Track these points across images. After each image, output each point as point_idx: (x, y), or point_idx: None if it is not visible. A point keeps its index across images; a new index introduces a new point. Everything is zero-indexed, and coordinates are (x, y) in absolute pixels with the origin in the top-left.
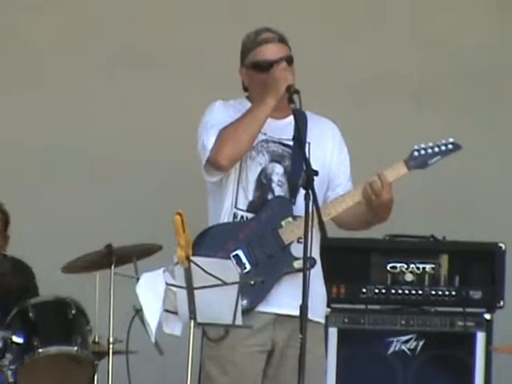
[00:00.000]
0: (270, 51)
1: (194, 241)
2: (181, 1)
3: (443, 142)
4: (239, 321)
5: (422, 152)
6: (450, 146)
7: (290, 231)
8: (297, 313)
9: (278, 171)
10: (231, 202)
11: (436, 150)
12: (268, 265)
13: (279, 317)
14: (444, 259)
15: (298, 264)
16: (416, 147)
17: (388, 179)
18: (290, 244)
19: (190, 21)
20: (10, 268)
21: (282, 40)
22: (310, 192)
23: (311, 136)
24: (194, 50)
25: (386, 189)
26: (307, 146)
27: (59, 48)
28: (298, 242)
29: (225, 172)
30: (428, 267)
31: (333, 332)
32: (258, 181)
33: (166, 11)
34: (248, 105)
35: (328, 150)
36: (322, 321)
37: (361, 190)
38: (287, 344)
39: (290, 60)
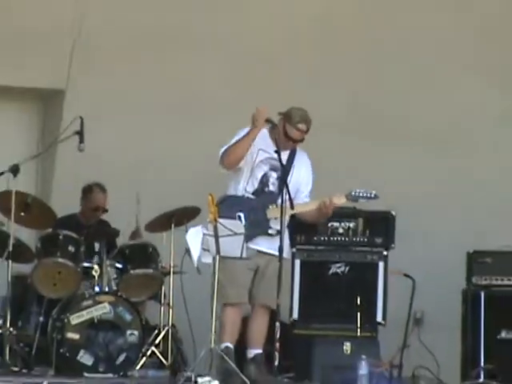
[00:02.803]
0: (296, 134)
1: (216, 202)
2: None
3: (371, 192)
4: (244, 254)
5: (357, 193)
6: (373, 195)
7: (272, 212)
8: (269, 251)
9: (273, 176)
10: (243, 187)
11: (365, 195)
12: (255, 225)
13: (259, 252)
14: (360, 220)
15: (270, 231)
16: (355, 190)
17: (334, 202)
18: (269, 219)
19: None
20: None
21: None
22: (286, 194)
23: (296, 162)
24: None
25: (330, 207)
26: (293, 167)
27: None
28: (275, 219)
29: (227, 170)
30: (352, 224)
31: (297, 262)
32: (261, 179)
33: None
34: (267, 136)
35: (301, 173)
36: (288, 257)
37: (318, 203)
38: (265, 267)
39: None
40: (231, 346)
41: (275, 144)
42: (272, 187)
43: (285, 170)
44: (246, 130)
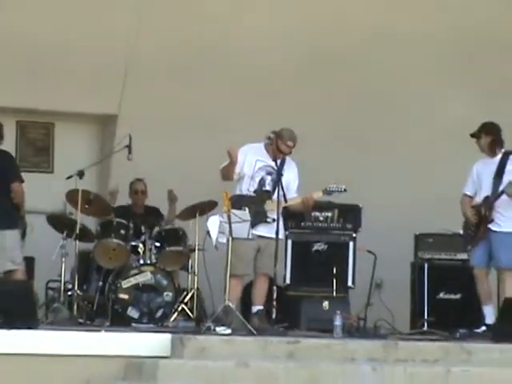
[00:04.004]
0: (286, 149)
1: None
2: None
3: (341, 187)
4: (250, 236)
5: (331, 188)
6: (343, 189)
7: (268, 205)
8: (267, 234)
9: (268, 178)
10: (246, 187)
11: (337, 189)
12: (256, 215)
13: (259, 236)
14: (336, 211)
15: (268, 219)
16: (329, 186)
17: (313, 196)
18: (267, 210)
19: None
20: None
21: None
22: (281, 191)
23: (286, 167)
24: None
25: (311, 200)
26: (284, 171)
27: None
28: (272, 210)
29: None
30: (329, 214)
31: (289, 242)
32: (259, 181)
33: None
34: (263, 149)
35: (290, 176)
36: (282, 238)
37: (302, 198)
38: (265, 247)
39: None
40: (233, 305)
41: (269, 154)
42: (268, 187)
43: (279, 174)
44: (247, 147)
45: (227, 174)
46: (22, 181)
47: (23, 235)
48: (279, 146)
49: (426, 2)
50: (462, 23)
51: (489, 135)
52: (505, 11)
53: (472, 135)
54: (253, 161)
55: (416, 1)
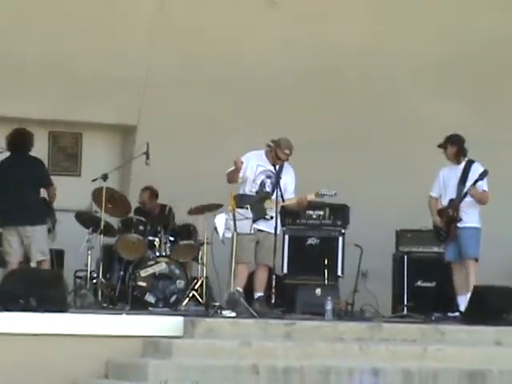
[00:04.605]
0: (283, 156)
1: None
2: None
3: (332, 192)
4: (252, 231)
5: (322, 192)
6: (334, 194)
7: (268, 204)
8: (266, 229)
9: (268, 181)
10: (249, 189)
11: (327, 193)
12: (257, 213)
13: (259, 230)
14: (327, 209)
15: (267, 216)
16: (321, 190)
17: (307, 198)
18: (266, 208)
19: None
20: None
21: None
22: (279, 192)
23: (284, 171)
24: None
25: (305, 201)
26: (282, 174)
27: None
28: (271, 208)
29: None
30: (321, 212)
31: (286, 236)
32: (260, 184)
33: None
34: (263, 156)
35: (288, 179)
36: (279, 233)
37: (297, 198)
38: (263, 240)
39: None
40: (241, 289)
41: (269, 160)
42: (268, 188)
43: (278, 177)
44: (249, 154)
45: (232, 178)
46: (53, 184)
47: (53, 229)
48: (278, 153)
49: (422, 21)
50: (456, 41)
51: (454, 145)
52: (498, 26)
53: (439, 146)
54: (254, 166)
55: (412, 19)
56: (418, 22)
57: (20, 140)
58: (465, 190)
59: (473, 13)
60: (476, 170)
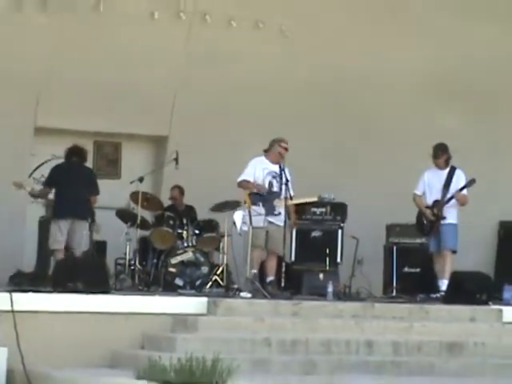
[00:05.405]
0: (282, 150)
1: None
2: None
3: (332, 197)
4: (265, 225)
5: (324, 196)
6: (333, 198)
7: (278, 202)
8: (276, 222)
9: (274, 181)
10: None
11: (327, 197)
12: (268, 209)
13: (269, 222)
14: (328, 207)
15: (276, 212)
16: (323, 194)
17: (310, 201)
18: (275, 206)
19: None
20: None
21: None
22: (287, 191)
23: (286, 171)
24: None
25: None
26: (284, 175)
27: None
28: (279, 206)
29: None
30: (323, 209)
31: (294, 230)
32: (269, 184)
33: None
34: (264, 159)
35: (289, 178)
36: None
37: (303, 200)
38: (273, 232)
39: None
40: (256, 271)
41: (269, 161)
42: (275, 188)
43: (284, 177)
44: (254, 161)
45: (245, 187)
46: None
47: (92, 224)
48: (277, 149)
49: (420, 35)
50: (454, 55)
51: (444, 154)
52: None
53: (434, 156)
54: (261, 169)
55: (410, 34)
56: (416, 36)
57: (78, 152)
58: (449, 193)
59: (472, 27)
60: (459, 175)
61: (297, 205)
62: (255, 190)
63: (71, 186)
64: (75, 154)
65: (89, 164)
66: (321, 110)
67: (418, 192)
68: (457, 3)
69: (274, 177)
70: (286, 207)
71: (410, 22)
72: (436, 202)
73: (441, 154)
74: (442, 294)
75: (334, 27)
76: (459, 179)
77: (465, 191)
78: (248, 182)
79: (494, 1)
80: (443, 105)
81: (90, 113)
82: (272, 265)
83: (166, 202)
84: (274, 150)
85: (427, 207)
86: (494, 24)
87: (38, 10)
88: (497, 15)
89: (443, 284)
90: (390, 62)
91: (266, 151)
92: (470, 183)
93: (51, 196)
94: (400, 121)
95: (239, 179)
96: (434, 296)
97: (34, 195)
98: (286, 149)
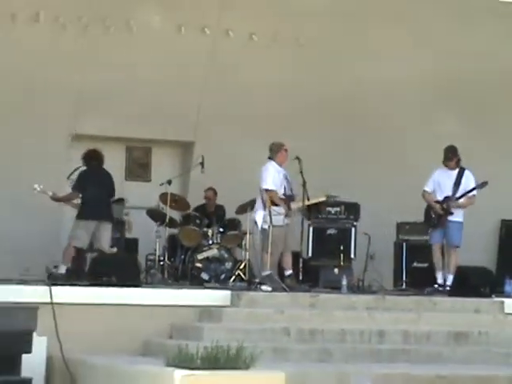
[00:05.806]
0: (285, 153)
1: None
2: None
3: (338, 196)
4: (284, 224)
5: (331, 195)
6: (337, 196)
7: (293, 204)
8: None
9: (285, 183)
10: (279, 192)
11: (335, 195)
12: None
13: (287, 224)
14: (342, 206)
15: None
16: (330, 193)
17: (320, 200)
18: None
19: None
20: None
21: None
22: (305, 193)
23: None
24: None
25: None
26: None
27: None
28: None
29: None
30: (338, 209)
31: (311, 228)
32: (284, 188)
33: None
34: (275, 163)
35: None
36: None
37: (317, 199)
38: (288, 228)
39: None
40: (275, 267)
41: (278, 164)
42: (289, 192)
43: (304, 182)
44: (271, 168)
45: (272, 196)
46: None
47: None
48: (282, 153)
49: (418, 44)
50: (452, 63)
51: (455, 156)
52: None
53: (446, 158)
54: (277, 174)
55: (408, 42)
56: (414, 45)
57: (96, 156)
58: (458, 192)
59: (468, 36)
60: (468, 176)
61: (309, 205)
62: (278, 202)
63: (97, 189)
64: (94, 158)
65: (121, 167)
66: (332, 114)
67: (428, 189)
68: (455, 9)
69: (285, 178)
70: (301, 207)
71: (418, 29)
72: (446, 197)
73: (452, 156)
74: (447, 286)
75: (342, 35)
76: (468, 180)
77: (474, 192)
78: (274, 192)
79: (492, 6)
80: (451, 107)
81: (123, 120)
82: (288, 260)
83: (194, 203)
84: (281, 154)
85: (437, 201)
86: (494, 28)
87: (73, 23)
88: (495, 20)
89: (441, 276)
90: (400, 68)
91: (271, 157)
92: (481, 185)
93: (75, 201)
94: (410, 122)
95: (266, 186)
96: (441, 289)
97: (55, 199)
98: (287, 149)
